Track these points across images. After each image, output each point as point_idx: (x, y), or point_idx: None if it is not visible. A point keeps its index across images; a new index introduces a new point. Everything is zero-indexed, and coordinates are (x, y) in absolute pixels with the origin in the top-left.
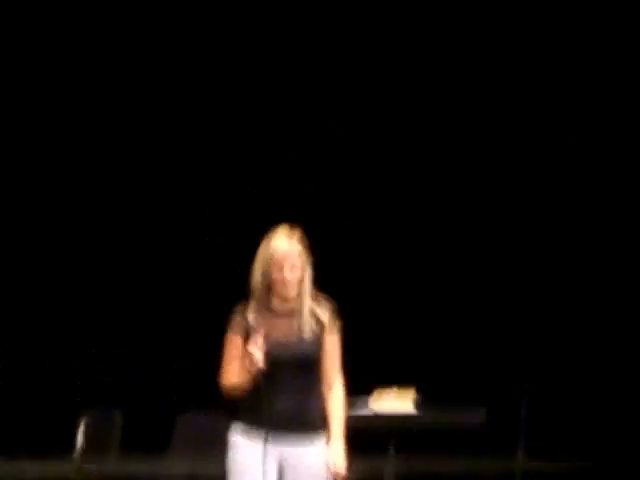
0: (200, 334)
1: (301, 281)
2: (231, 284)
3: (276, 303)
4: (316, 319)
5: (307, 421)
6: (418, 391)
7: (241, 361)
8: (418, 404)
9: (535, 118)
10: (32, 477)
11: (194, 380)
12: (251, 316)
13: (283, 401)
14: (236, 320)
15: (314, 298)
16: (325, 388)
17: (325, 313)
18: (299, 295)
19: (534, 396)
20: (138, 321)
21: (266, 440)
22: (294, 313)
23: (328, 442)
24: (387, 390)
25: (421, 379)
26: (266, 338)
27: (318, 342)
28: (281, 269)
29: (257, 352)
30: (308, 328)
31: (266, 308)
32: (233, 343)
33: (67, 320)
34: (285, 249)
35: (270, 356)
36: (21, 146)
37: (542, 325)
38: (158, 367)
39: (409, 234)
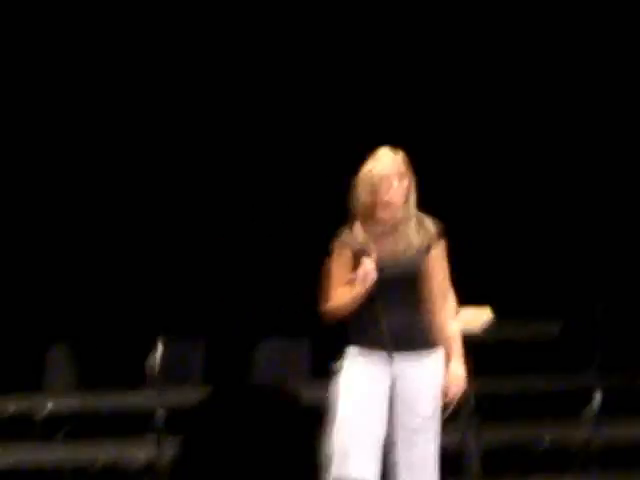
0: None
1: (404, 196)
2: None
3: (381, 223)
4: (424, 231)
5: (421, 337)
6: (494, 309)
7: (349, 280)
8: (493, 322)
9: None
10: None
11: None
12: (360, 235)
13: (396, 317)
14: (342, 241)
15: (418, 217)
16: (436, 303)
17: (430, 229)
18: (404, 213)
19: (609, 311)
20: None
21: (389, 356)
22: (400, 231)
23: (445, 360)
24: (463, 309)
25: (497, 296)
26: (377, 255)
27: (426, 257)
28: (386, 191)
29: (371, 267)
30: (415, 244)
31: (371, 228)
32: (340, 264)
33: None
34: (388, 171)
35: (380, 273)
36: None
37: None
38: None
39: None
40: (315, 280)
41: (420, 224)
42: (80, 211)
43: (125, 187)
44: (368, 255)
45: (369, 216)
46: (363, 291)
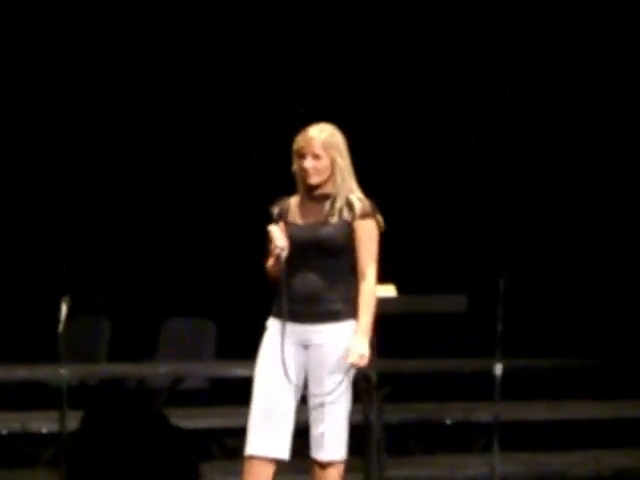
0: (185, 242)
1: (328, 169)
2: None
3: (313, 194)
4: (349, 207)
5: (324, 306)
6: (398, 286)
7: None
8: (397, 299)
9: None
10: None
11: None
12: (282, 206)
13: (302, 284)
14: (273, 209)
15: (351, 190)
16: (358, 277)
17: (360, 204)
18: (330, 182)
19: (512, 288)
20: (125, 233)
21: (283, 323)
22: (323, 205)
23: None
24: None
25: (400, 273)
26: (294, 224)
27: (346, 228)
28: (303, 156)
29: (276, 236)
30: (337, 214)
31: (304, 197)
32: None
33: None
34: (307, 137)
35: (292, 240)
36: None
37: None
38: (142, 275)
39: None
40: (226, 260)
41: (347, 202)
42: None
43: None
44: (279, 225)
45: (300, 183)
46: (273, 259)
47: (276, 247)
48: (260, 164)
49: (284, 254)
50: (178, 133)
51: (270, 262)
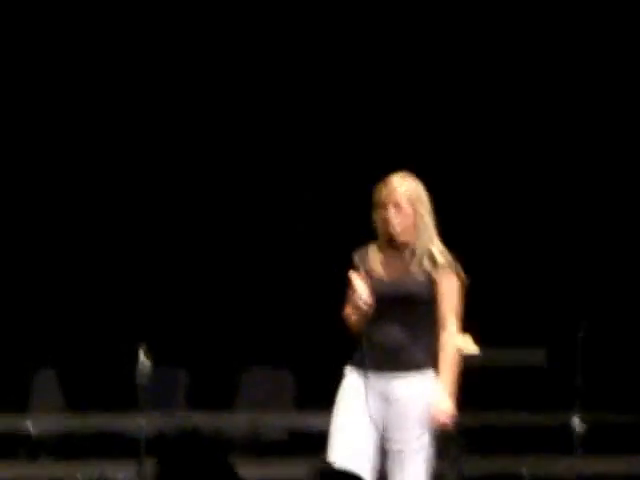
0: (263, 291)
1: (410, 220)
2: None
3: (393, 243)
4: (430, 259)
5: (408, 358)
6: (478, 340)
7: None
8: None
9: None
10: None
11: (257, 336)
12: (362, 256)
13: (384, 335)
14: (354, 256)
15: (432, 242)
16: (440, 331)
17: (442, 256)
18: (412, 233)
19: (591, 342)
20: (199, 282)
21: (365, 373)
22: (406, 258)
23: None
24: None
25: (481, 323)
26: (375, 276)
27: (429, 282)
28: (385, 207)
29: (361, 290)
30: (418, 266)
31: (384, 247)
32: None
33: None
34: (391, 188)
35: (375, 293)
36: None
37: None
38: (221, 325)
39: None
40: (304, 310)
41: (428, 254)
42: (66, 236)
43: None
44: (361, 275)
45: (382, 234)
46: (354, 308)
47: (361, 301)
48: (338, 213)
49: (366, 306)
50: (255, 179)
51: (351, 311)
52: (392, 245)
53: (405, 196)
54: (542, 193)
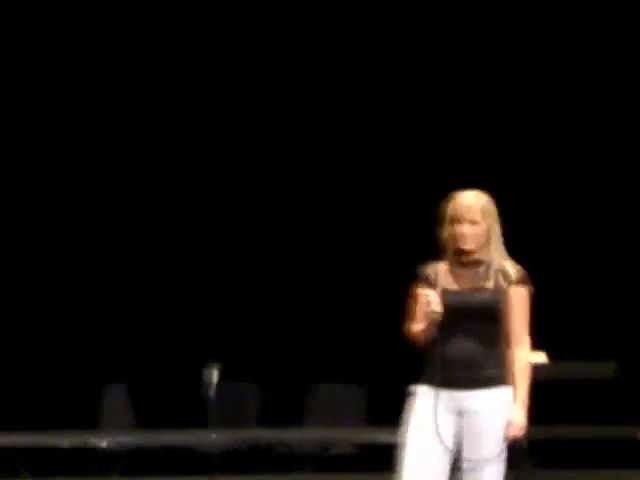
0: (333, 307)
1: (484, 236)
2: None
3: (462, 258)
4: (503, 274)
5: (482, 373)
6: (548, 353)
7: (420, 310)
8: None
9: None
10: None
11: (326, 352)
12: (429, 271)
13: (457, 350)
14: (420, 274)
15: (504, 257)
16: (511, 344)
17: (510, 275)
18: (485, 249)
19: None
20: (272, 299)
21: (437, 389)
22: (477, 272)
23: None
24: None
25: (551, 339)
26: (448, 290)
27: (501, 294)
28: (460, 222)
29: (432, 300)
30: (492, 281)
31: (454, 263)
32: (416, 295)
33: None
34: (466, 204)
35: (446, 306)
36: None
37: None
38: (290, 341)
39: None
40: (374, 327)
41: (501, 269)
42: (137, 252)
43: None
44: (431, 289)
45: (448, 251)
46: (425, 323)
47: (433, 312)
48: (400, 228)
49: (438, 317)
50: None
51: (420, 326)
52: (461, 261)
53: (481, 211)
54: (614, 207)
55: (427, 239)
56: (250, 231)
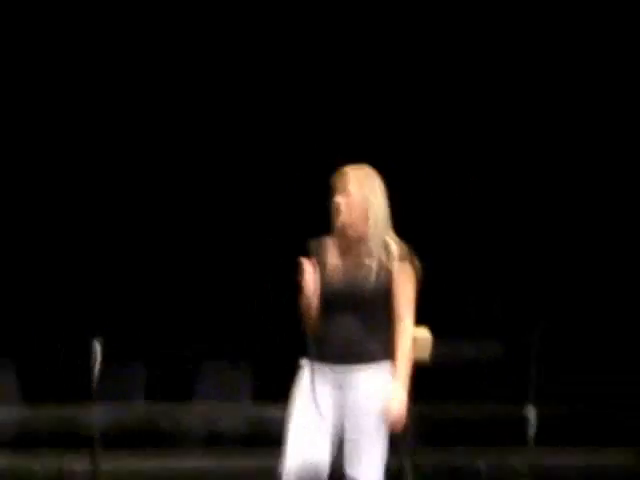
0: (220, 282)
1: (360, 208)
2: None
3: (347, 234)
4: (386, 250)
5: (364, 350)
6: (433, 332)
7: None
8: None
9: None
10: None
11: (214, 330)
12: (316, 245)
13: (339, 327)
14: (308, 248)
15: (387, 233)
16: (396, 322)
17: (393, 252)
18: (364, 223)
19: (546, 334)
20: (157, 276)
21: (320, 364)
22: (359, 249)
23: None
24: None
25: (436, 318)
26: (329, 268)
27: (382, 273)
28: (337, 193)
29: (307, 273)
30: (372, 257)
31: (340, 237)
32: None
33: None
34: (342, 175)
35: (328, 285)
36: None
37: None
38: (178, 318)
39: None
40: (258, 305)
41: (384, 245)
42: (21, 226)
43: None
44: (312, 263)
45: (334, 227)
46: (305, 298)
47: (304, 282)
48: (296, 205)
49: (311, 291)
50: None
51: (304, 300)
52: (346, 236)
53: (357, 182)
54: (503, 186)
55: (315, 217)
56: (136, 209)
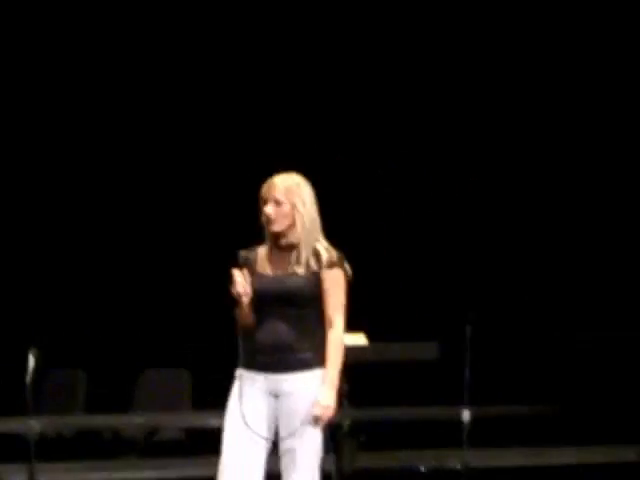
0: (159, 293)
1: (290, 216)
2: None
3: (276, 240)
4: (316, 257)
5: (295, 357)
6: (368, 335)
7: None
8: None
9: None
10: None
11: (156, 338)
12: (247, 254)
13: (270, 334)
14: (239, 257)
15: (317, 240)
16: (327, 327)
17: (327, 253)
18: (294, 230)
19: (480, 335)
20: (96, 285)
21: (253, 373)
22: (289, 255)
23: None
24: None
25: (371, 321)
26: (261, 274)
27: (313, 279)
28: (266, 202)
29: (238, 281)
30: (302, 263)
31: (271, 246)
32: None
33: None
34: (271, 184)
35: (259, 291)
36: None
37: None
38: (120, 326)
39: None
40: (196, 312)
41: (314, 252)
42: None
43: None
44: (246, 272)
45: (266, 236)
46: (240, 305)
47: (236, 292)
48: (233, 216)
49: (245, 300)
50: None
51: (236, 310)
52: (278, 245)
53: (285, 191)
54: (429, 185)
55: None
56: (74, 215)
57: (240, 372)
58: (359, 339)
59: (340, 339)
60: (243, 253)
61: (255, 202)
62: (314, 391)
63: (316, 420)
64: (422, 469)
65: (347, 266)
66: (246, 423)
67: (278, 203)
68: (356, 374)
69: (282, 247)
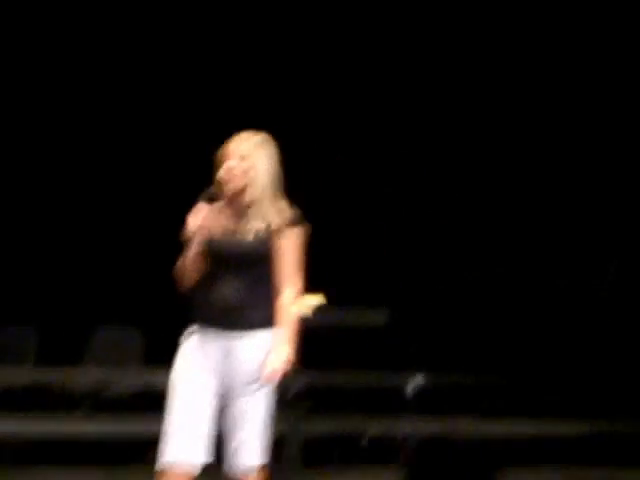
0: (111, 249)
1: (247, 176)
2: None
3: (232, 198)
4: (273, 215)
5: (247, 316)
6: (325, 295)
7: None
8: (323, 307)
9: None
10: None
11: (108, 295)
12: (212, 208)
13: (223, 293)
14: (202, 197)
15: (277, 198)
16: (280, 288)
17: (283, 213)
18: (254, 188)
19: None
20: (48, 242)
21: (205, 330)
22: (246, 213)
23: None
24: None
25: (323, 285)
26: (212, 232)
27: (265, 241)
28: (229, 158)
29: (193, 225)
30: (255, 225)
31: (228, 203)
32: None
33: None
34: (235, 140)
35: (212, 248)
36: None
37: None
38: (72, 283)
39: None
40: (152, 272)
41: (272, 210)
42: None
43: None
44: (200, 212)
45: (222, 192)
46: (190, 252)
47: (190, 231)
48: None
49: (199, 238)
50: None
51: (185, 263)
52: (235, 200)
53: (248, 148)
54: (382, 155)
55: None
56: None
57: (193, 328)
58: (318, 299)
59: (292, 298)
60: (205, 194)
61: None
62: (265, 350)
63: (269, 377)
64: (367, 435)
65: (304, 226)
66: (197, 379)
67: (242, 158)
68: (308, 339)
69: (237, 205)
